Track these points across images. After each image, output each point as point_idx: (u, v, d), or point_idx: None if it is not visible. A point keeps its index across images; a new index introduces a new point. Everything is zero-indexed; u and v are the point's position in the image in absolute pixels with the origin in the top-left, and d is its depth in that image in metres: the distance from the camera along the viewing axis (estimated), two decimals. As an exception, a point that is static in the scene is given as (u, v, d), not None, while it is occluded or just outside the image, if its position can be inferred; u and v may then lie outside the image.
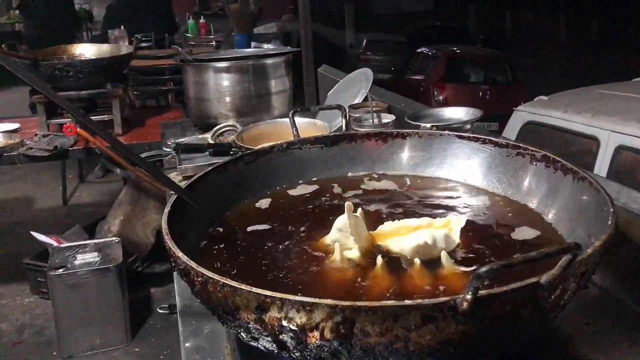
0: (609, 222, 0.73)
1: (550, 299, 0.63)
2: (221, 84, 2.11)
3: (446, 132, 1.18)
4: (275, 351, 0.69)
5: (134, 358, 2.65)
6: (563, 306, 0.68)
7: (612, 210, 0.76)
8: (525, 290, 0.61)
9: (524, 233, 0.93)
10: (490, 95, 7.36)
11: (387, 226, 0.95)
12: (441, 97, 7.41)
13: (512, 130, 3.53)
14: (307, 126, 1.68)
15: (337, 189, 1.15)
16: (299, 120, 1.40)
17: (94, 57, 2.92)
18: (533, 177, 1.02)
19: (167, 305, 2.60)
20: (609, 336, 0.92)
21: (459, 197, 1.10)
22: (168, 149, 1.79)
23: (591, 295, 1.02)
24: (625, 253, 1.01)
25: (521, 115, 3.52)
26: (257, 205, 1.10)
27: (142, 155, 1.83)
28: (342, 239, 0.90)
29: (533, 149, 1.03)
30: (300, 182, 1.17)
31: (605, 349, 0.89)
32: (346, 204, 0.89)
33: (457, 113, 1.67)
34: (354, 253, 0.88)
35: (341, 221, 0.91)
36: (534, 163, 1.02)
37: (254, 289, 0.64)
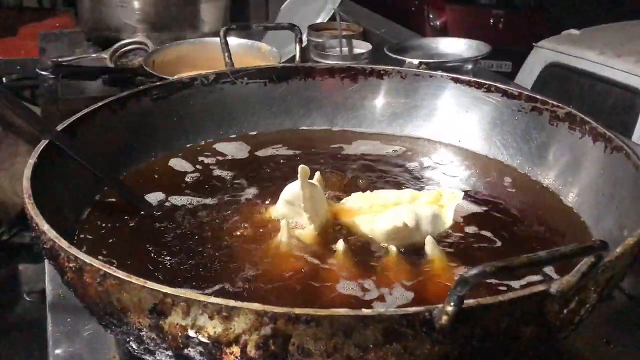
0: (649, 212, 0.74)
1: (561, 314, 0.63)
2: (129, -18, 2.04)
3: (439, 72, 1.19)
4: (178, 369, 0.68)
5: (-10, 360, 2.62)
6: (577, 323, 0.68)
7: (654, 195, 0.77)
8: (529, 301, 0.60)
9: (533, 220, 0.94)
10: (505, 24, 7.38)
11: (355, 199, 0.95)
12: (438, 22, 7.40)
13: (529, 73, 3.57)
14: (247, 51, 1.66)
15: (286, 148, 1.15)
16: (234, 42, 1.38)
17: None
18: (551, 143, 1.03)
19: (39, 290, 2.56)
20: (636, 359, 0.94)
21: (450, 163, 1.11)
22: (46, 72, 1.73)
23: (615, 305, 1.04)
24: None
25: (543, 54, 3.56)
26: (169, 162, 1.09)
27: (10, 78, 1.76)
28: (292, 215, 0.90)
29: (554, 103, 1.04)
30: (233, 134, 1.16)
31: (630, 376, 0.91)
32: (300, 167, 0.88)
33: (455, 47, 1.68)
34: (307, 234, 0.88)
35: (292, 190, 0.90)
36: (554, 123, 1.03)
37: (149, 284, 0.62)
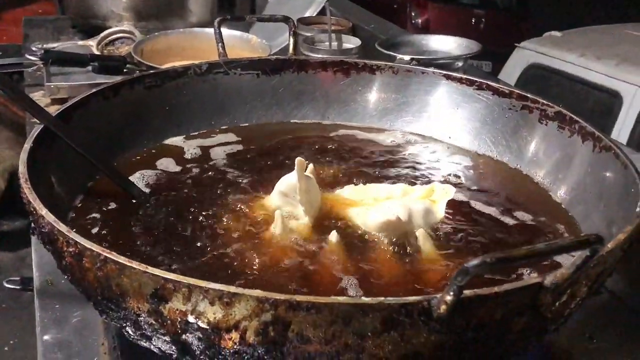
0: (637, 209, 0.75)
1: (553, 307, 0.64)
2: (116, -31, 2.02)
3: (431, 69, 1.20)
4: (174, 355, 0.68)
5: (-34, 349, 2.59)
6: (567, 316, 0.70)
7: (641, 193, 0.79)
8: (524, 293, 0.62)
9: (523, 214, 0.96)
10: (486, 24, 7.41)
11: (349, 191, 0.96)
12: (420, 20, 7.41)
13: (510, 73, 3.60)
14: (238, 43, 1.67)
15: (278, 140, 1.15)
16: (227, 33, 1.37)
17: None
18: (541, 141, 1.05)
19: (18, 279, 2.53)
20: (618, 355, 0.96)
21: (441, 159, 1.12)
22: (32, 57, 1.71)
23: (599, 302, 1.06)
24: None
25: (524, 55, 3.59)
26: (161, 151, 1.09)
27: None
28: (287, 207, 0.91)
29: (544, 102, 1.06)
30: (224, 125, 1.17)
31: (612, 371, 0.93)
32: (297, 159, 0.89)
33: (446, 44, 1.69)
34: (302, 226, 0.88)
35: (287, 182, 0.91)
36: (544, 122, 1.05)
37: (151, 269, 0.62)
